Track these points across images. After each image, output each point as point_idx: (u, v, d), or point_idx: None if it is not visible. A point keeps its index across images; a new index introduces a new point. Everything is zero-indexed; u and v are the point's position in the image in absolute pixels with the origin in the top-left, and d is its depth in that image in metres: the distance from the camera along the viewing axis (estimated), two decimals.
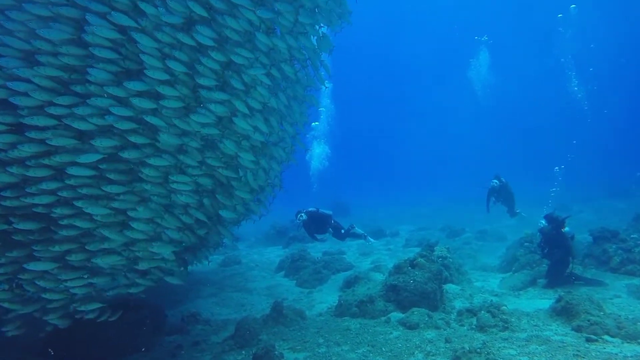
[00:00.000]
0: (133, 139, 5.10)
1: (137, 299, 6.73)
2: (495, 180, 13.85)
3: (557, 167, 18.61)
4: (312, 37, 6.81)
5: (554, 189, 16.50)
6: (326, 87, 7.95)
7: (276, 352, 5.86)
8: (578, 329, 6.12)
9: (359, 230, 12.23)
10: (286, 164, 8.18)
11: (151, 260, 5.89)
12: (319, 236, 11.54)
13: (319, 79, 7.55)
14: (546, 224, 9.05)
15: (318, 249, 16.82)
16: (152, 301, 7.42)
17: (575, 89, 30.75)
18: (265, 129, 6.33)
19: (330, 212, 11.55)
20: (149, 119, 5.10)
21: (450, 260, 9.71)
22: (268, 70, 5.99)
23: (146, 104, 5.03)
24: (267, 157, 7.02)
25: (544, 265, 9.45)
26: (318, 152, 27.44)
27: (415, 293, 7.58)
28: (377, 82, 72.23)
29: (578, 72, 31.26)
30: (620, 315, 6.37)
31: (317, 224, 11.34)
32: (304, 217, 11.06)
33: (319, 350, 6.25)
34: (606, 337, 5.85)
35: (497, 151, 52.82)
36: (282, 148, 7.49)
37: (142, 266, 5.76)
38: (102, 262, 5.34)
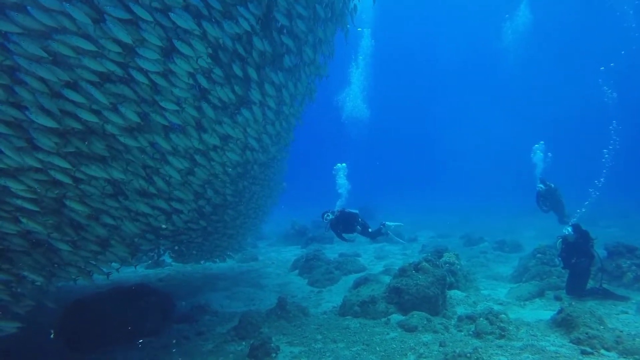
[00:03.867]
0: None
1: (148, 287, 7.11)
2: (540, 185, 13.62)
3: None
4: None
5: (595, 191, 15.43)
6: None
7: (272, 345, 6.10)
8: (575, 342, 6.08)
9: (390, 224, 11.76)
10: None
11: None
12: (347, 236, 11.38)
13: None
14: (572, 232, 8.86)
15: (335, 250, 17.04)
16: (161, 290, 7.80)
17: None
18: None
19: (356, 211, 11.45)
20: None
21: (458, 266, 9.70)
22: None
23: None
24: None
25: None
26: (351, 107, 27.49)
27: (417, 296, 7.67)
28: (410, 89, 71.41)
29: None
30: (622, 331, 6.30)
31: (344, 224, 11.21)
32: (331, 216, 11.01)
33: (315, 346, 6.45)
34: (603, 351, 5.80)
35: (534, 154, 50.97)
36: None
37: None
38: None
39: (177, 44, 5.02)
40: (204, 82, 5.64)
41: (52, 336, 6.06)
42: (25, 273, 4.94)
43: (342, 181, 11.85)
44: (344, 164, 11.88)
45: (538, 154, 13.63)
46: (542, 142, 13.61)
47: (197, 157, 6.33)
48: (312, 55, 7.25)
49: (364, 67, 28.09)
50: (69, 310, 6.75)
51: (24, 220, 4.61)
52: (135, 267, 7.24)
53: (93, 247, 5.63)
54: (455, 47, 63.34)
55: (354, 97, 28.06)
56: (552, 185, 13.58)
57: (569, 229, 8.94)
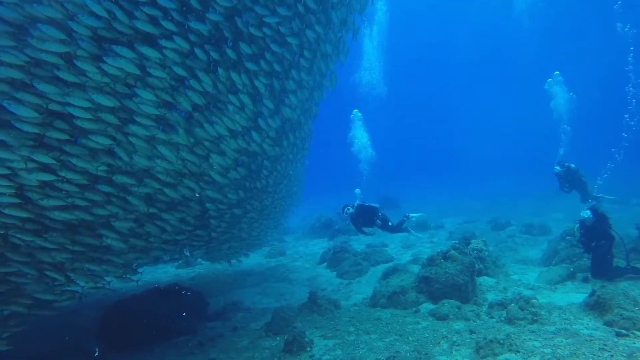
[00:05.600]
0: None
1: (181, 286, 7.34)
2: (557, 167, 13.49)
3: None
4: None
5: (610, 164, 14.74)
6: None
7: (306, 339, 6.26)
8: (609, 324, 6.04)
9: (414, 216, 11.70)
10: None
11: None
12: (367, 230, 11.41)
13: None
14: (591, 216, 8.81)
15: (362, 241, 17.10)
16: (194, 289, 8.04)
17: None
18: None
19: (376, 205, 11.48)
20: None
21: (486, 253, 9.68)
22: None
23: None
24: None
25: (585, 259, 9.22)
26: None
27: (447, 285, 7.73)
28: (426, 67, 70.06)
29: None
30: None
31: (364, 217, 11.23)
32: (351, 210, 11.02)
33: (348, 338, 6.59)
34: (638, 332, 5.76)
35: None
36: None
37: None
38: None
39: (139, 24, 4.98)
40: (180, 71, 5.58)
41: (96, 354, 6.29)
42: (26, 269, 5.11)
43: (361, 136, 11.31)
44: (360, 114, 11.40)
45: (557, 91, 12.77)
46: (557, 72, 12.72)
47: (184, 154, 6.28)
48: (314, 42, 7.17)
49: (378, 40, 27.62)
50: (108, 312, 7.07)
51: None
52: (138, 282, 7.34)
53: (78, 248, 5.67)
54: (468, 24, 61.89)
55: (369, 73, 27.64)
56: (573, 166, 13.39)
57: (588, 212, 8.88)
